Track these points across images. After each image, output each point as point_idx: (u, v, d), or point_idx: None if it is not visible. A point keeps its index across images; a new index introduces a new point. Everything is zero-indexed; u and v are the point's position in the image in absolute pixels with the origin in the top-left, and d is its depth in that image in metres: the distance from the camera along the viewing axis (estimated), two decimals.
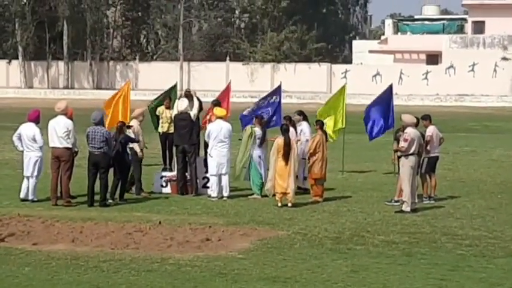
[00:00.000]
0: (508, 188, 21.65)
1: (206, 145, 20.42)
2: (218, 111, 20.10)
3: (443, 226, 16.33)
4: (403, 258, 13.67)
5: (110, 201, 18.79)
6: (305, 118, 21.43)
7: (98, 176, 18.81)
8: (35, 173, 18.79)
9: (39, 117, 18.80)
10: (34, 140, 18.42)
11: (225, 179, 20.16)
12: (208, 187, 20.87)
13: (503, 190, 21.29)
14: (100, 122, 19.28)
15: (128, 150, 19.56)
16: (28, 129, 18.46)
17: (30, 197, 18.73)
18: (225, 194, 20.08)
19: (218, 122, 19.98)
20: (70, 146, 18.41)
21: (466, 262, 13.26)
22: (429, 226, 16.32)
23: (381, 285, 11.62)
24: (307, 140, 21.37)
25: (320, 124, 20.38)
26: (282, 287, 11.68)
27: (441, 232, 15.74)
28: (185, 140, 20.05)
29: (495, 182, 22.59)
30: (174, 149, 22.83)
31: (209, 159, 20.25)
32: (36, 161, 18.58)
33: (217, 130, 19.82)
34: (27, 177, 19.08)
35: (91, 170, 18.85)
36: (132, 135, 20.11)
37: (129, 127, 19.95)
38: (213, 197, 20.01)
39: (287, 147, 18.80)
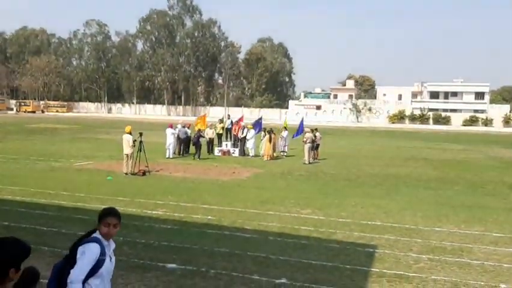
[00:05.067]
0: (346, 156, 21.51)
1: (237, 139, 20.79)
2: (249, 126, 20.71)
3: (321, 169, 16.60)
4: (306, 180, 14.10)
5: (197, 158, 18.26)
6: (286, 129, 21.12)
7: (182, 147, 19.18)
8: (171, 147, 18.45)
9: (172, 125, 18.82)
10: (172, 134, 18.37)
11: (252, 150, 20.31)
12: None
13: (345, 156, 21.21)
14: (185, 127, 19.72)
15: (200, 140, 18.89)
16: (169, 131, 18.43)
17: (171, 156, 18.39)
18: (253, 154, 20.09)
19: (250, 130, 20.51)
20: (185, 136, 18.50)
21: (330, 183, 13.53)
22: (315, 169, 16.67)
23: (298, 190, 12.03)
24: (283, 137, 21.21)
25: (270, 132, 19.59)
26: (260, 190, 11.92)
27: (320, 171, 16.11)
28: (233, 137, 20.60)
29: (341, 154, 22.40)
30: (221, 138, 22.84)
31: (248, 142, 20.23)
32: (171, 143, 18.36)
33: (250, 132, 20.33)
34: (168, 148, 18.62)
35: (179, 144, 19.21)
36: (202, 134, 19.75)
37: (202, 131, 19.67)
38: (251, 156, 19.78)
39: (270, 138, 19.15)
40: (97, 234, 2.87)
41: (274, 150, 19.73)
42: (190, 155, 18.89)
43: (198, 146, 18.61)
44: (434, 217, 9.17)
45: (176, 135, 19.43)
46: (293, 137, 23.29)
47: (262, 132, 20.59)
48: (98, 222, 2.90)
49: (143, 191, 11.15)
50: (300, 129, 23.68)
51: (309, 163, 17.85)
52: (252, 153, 20.11)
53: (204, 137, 19.71)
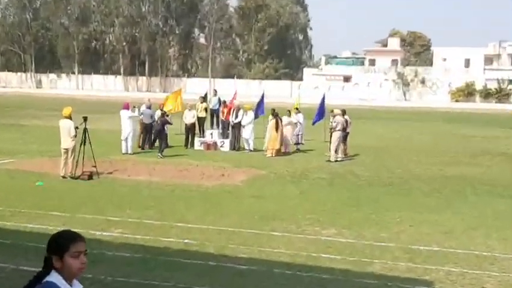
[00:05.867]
0: (382, 149, 21.79)
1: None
2: (246, 106, 20.75)
3: (350, 170, 16.91)
4: (328, 185, 14.33)
5: (160, 155, 18.02)
6: (299, 112, 21.13)
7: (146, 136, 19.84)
8: (129, 137, 18.39)
9: (129, 106, 18.87)
10: (130, 118, 18.58)
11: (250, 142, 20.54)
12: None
13: (381, 151, 21.44)
14: (150, 108, 20.20)
15: (165, 128, 19.07)
16: (124, 114, 18.49)
17: (129, 151, 18.36)
18: (251, 147, 20.38)
19: (248, 112, 20.56)
20: (150, 121, 19.40)
21: (362, 188, 13.91)
22: (342, 169, 16.95)
23: (316, 201, 12.18)
24: (300, 123, 21.26)
25: (275, 114, 19.75)
26: (260, 200, 12.12)
27: (349, 172, 16.37)
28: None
29: (378, 147, 22.59)
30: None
31: (245, 130, 20.34)
32: (129, 132, 18.34)
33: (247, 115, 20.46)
34: (124, 140, 18.54)
35: (143, 133, 19.89)
36: (169, 119, 19.37)
37: (167, 115, 19.50)
38: (249, 150, 20.17)
39: (277, 124, 19.27)
40: (51, 277, 2.78)
41: (282, 141, 19.63)
42: (156, 149, 18.97)
43: (162, 136, 18.66)
44: None
45: (137, 121, 19.39)
46: (313, 124, 23.25)
47: (270, 116, 20.27)
48: (54, 255, 2.80)
49: (90, 202, 11.24)
50: (320, 112, 23.35)
51: (337, 160, 17.99)
52: (249, 146, 20.02)
53: (170, 123, 19.63)
